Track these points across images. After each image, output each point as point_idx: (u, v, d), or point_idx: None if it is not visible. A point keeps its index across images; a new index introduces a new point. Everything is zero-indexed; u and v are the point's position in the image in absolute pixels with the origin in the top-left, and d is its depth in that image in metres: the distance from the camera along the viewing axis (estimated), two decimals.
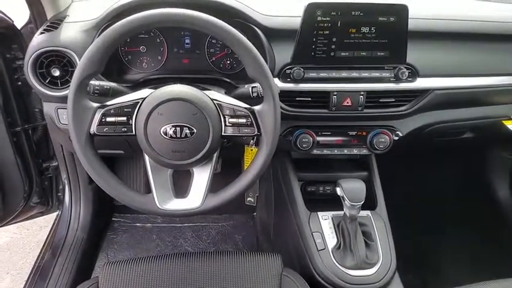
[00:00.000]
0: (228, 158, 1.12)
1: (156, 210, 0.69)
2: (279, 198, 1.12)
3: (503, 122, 1.00)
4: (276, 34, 0.87)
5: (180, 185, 0.75)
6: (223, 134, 0.68)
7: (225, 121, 0.68)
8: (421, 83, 0.89)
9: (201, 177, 0.72)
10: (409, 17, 0.84)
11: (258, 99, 0.71)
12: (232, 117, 0.68)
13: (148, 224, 1.53)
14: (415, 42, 0.89)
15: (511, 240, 1.29)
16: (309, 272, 0.86)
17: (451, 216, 1.40)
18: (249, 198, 1.25)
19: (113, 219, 1.55)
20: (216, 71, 0.95)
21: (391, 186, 1.29)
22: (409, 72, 0.87)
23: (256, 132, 0.68)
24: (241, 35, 0.64)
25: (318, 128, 0.94)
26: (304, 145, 0.92)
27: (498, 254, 1.05)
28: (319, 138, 0.94)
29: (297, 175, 1.02)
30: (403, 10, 0.81)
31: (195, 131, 0.66)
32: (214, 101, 0.68)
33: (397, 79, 0.87)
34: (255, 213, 1.49)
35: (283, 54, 0.86)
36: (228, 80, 0.92)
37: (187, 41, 0.94)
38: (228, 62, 0.95)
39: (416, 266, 0.91)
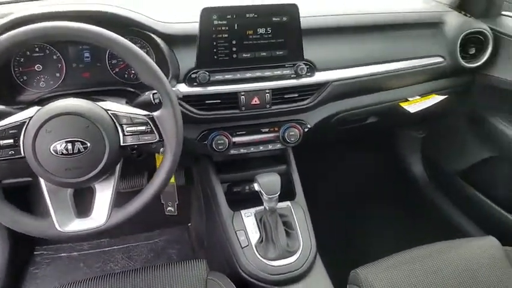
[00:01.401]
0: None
1: (57, 234, 0.69)
2: (207, 204, 1.16)
3: (400, 103, 1.14)
4: (178, 40, 0.92)
5: (86, 203, 0.75)
6: (122, 144, 0.70)
7: (122, 131, 0.70)
8: (319, 76, 0.99)
9: (104, 192, 0.72)
10: (303, 15, 0.93)
11: (161, 106, 0.75)
12: (130, 125, 0.70)
13: (74, 253, 1.48)
14: (311, 39, 0.99)
15: (427, 211, 1.46)
16: (236, 270, 0.91)
17: (373, 197, 1.54)
18: (168, 208, 1.26)
19: (35, 252, 1.48)
20: (121, 82, 0.96)
21: (313, 176, 1.39)
22: (307, 68, 0.96)
23: (158, 139, 0.71)
24: (129, 43, 0.68)
25: (233, 129, 1.00)
26: (220, 147, 0.97)
27: (417, 224, 1.18)
28: (234, 139, 1.00)
29: (219, 177, 1.06)
30: (293, 9, 0.90)
31: (88, 144, 0.66)
32: (109, 112, 0.70)
33: (298, 75, 0.95)
34: (189, 224, 1.51)
35: (187, 59, 0.90)
36: (132, 90, 0.95)
37: (86, 54, 0.95)
38: (133, 71, 0.98)
39: (342, 248, 1.00)
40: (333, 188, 1.53)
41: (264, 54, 0.93)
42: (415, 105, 1.14)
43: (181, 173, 1.38)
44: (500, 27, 1.14)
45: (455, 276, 0.85)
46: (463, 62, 1.13)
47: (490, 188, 1.27)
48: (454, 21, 1.14)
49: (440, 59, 1.13)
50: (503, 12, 1.19)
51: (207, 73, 0.90)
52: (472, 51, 1.14)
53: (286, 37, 0.92)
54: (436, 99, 1.16)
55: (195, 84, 0.90)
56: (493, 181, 1.26)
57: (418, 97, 1.16)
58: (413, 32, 1.13)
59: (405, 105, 1.14)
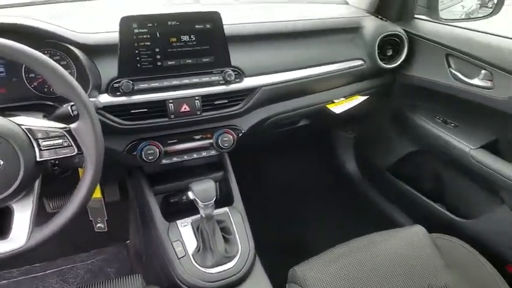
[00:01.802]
0: None
1: None
2: (143, 217, 1.14)
3: (327, 105, 1.20)
4: (98, 50, 0.90)
5: (6, 225, 0.71)
6: (38, 159, 0.67)
7: (38, 145, 0.67)
8: (248, 82, 1.01)
9: (23, 212, 0.69)
10: (229, 23, 0.95)
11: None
12: (46, 139, 0.68)
13: (3, 281, 1.38)
14: (238, 45, 1.01)
15: (362, 206, 1.54)
16: (173, 282, 0.90)
17: (311, 196, 1.59)
18: (98, 225, 1.22)
19: None
20: (39, 96, 0.92)
21: (252, 180, 1.41)
22: (235, 74, 0.98)
23: (76, 152, 0.69)
24: (39, 54, 0.65)
25: (163, 138, 0.99)
26: (150, 157, 0.95)
27: (354, 219, 1.24)
28: (166, 148, 0.99)
29: (153, 189, 1.05)
30: (216, 16, 0.92)
31: (1, 162, 0.64)
32: (22, 126, 0.67)
33: (226, 81, 0.97)
34: (128, 241, 1.47)
35: (109, 69, 0.88)
36: (51, 103, 0.91)
37: (1, 69, 0.90)
38: None
39: (283, 248, 1.03)
40: (272, 190, 1.57)
41: (190, 61, 0.93)
42: (340, 106, 1.20)
43: (115, 188, 1.34)
44: (414, 29, 1.24)
45: (388, 264, 0.90)
46: (382, 64, 1.21)
47: (416, 180, 1.37)
48: (371, 25, 1.23)
49: (360, 62, 1.20)
50: (416, 16, 1.30)
51: (131, 82, 0.88)
52: (390, 52, 1.23)
53: (211, 44, 0.94)
54: (359, 99, 1.23)
55: (118, 93, 0.89)
56: (418, 173, 1.37)
57: (343, 99, 1.22)
58: (334, 37, 1.20)
59: (332, 107, 1.20)
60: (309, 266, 0.91)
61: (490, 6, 1.32)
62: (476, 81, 1.09)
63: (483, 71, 1.07)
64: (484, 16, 1.28)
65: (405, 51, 1.23)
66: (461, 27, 1.20)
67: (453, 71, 1.14)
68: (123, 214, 1.40)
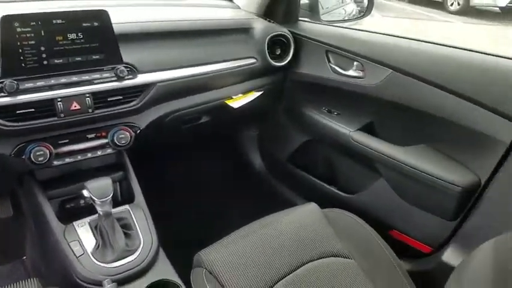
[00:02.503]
0: None
1: None
2: (37, 225, 1.09)
3: (226, 101, 1.28)
4: None
5: None
6: None
7: None
8: (142, 78, 1.04)
9: None
10: (122, 21, 0.98)
11: None
12: None
13: None
14: (130, 43, 1.04)
15: (268, 197, 1.65)
16: (73, 280, 0.88)
17: (221, 192, 1.66)
18: None
19: None
20: None
21: (158, 179, 1.43)
22: (128, 70, 1.01)
23: None
24: None
25: (54, 138, 0.97)
26: (40, 158, 0.93)
27: (261, 210, 1.31)
28: (57, 149, 0.97)
29: (47, 195, 1.02)
30: (103, 15, 0.94)
31: None
32: None
33: (119, 78, 0.99)
34: (24, 257, 1.38)
35: None
36: None
37: None
38: None
39: (191, 242, 1.06)
40: (178, 187, 1.60)
41: (79, 58, 0.94)
42: (238, 101, 1.29)
43: (7, 202, 1.27)
44: (298, 30, 1.39)
45: (284, 238, 0.99)
46: (272, 62, 1.33)
47: (312, 166, 1.51)
48: (260, 26, 1.34)
49: (253, 60, 1.31)
50: (300, 19, 1.46)
51: (15, 82, 0.87)
52: (278, 51, 1.36)
53: (100, 41, 0.95)
54: (255, 95, 1.33)
55: (2, 94, 0.86)
56: (313, 160, 1.51)
57: (240, 95, 1.32)
58: (227, 37, 1.30)
59: (230, 102, 1.28)
60: (212, 249, 0.96)
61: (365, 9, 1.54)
62: (351, 72, 1.26)
63: (355, 63, 1.24)
64: (356, 18, 1.48)
65: (292, 50, 1.36)
66: (338, 27, 1.38)
67: (332, 65, 1.30)
68: (18, 230, 1.32)
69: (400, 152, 1.17)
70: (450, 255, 1.10)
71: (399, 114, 1.21)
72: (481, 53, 1.07)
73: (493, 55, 1.06)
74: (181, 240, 1.15)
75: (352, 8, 1.83)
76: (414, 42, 1.20)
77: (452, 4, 8.17)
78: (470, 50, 1.09)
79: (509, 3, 7.15)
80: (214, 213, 1.56)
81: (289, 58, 1.37)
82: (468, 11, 7.77)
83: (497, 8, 7.48)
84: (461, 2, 7.94)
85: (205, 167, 1.71)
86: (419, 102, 1.12)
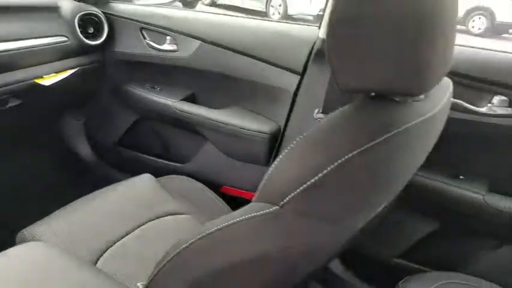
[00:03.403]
0: None
1: None
2: None
3: (35, 80, 1.23)
4: None
5: None
6: None
7: None
8: None
9: None
10: None
11: None
12: None
13: None
14: None
15: (99, 183, 1.62)
16: None
17: (53, 189, 1.56)
18: None
19: None
20: None
21: None
22: None
23: None
24: None
25: None
26: None
27: None
28: None
29: None
30: None
31: None
32: None
33: None
34: None
35: None
36: None
37: None
38: None
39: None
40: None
41: None
42: (50, 80, 1.25)
43: None
44: (111, 11, 1.43)
45: (119, 205, 1.02)
46: (86, 41, 1.34)
47: (143, 145, 1.55)
48: (69, 5, 1.33)
49: (64, 38, 1.30)
50: (112, 1, 1.49)
51: None
52: (91, 30, 1.37)
53: None
54: (69, 73, 1.32)
55: None
56: (146, 138, 1.55)
57: (53, 74, 1.28)
58: (35, 14, 1.25)
59: (41, 81, 1.24)
60: (36, 225, 0.93)
61: None
62: (165, 46, 1.36)
63: (168, 37, 1.35)
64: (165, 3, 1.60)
65: (105, 29, 1.39)
66: (151, 6, 1.48)
67: (148, 41, 1.39)
68: None
69: (218, 114, 1.32)
70: None
71: (214, 81, 1.37)
72: (270, 20, 1.31)
73: (277, 21, 1.30)
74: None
75: None
76: (220, 16, 1.37)
77: (273, 14, 9.24)
78: (261, 19, 1.32)
79: (319, 11, 8.49)
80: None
81: (103, 37, 1.39)
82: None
83: (311, 17, 8.80)
84: (281, 12, 9.06)
85: (28, 161, 1.58)
86: (226, 68, 1.29)
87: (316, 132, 0.53)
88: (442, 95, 0.66)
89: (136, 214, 1.01)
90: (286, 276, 0.59)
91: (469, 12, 8.32)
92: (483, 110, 0.99)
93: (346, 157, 0.48)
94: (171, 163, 1.48)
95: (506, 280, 0.95)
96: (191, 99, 1.42)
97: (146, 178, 1.16)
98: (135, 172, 1.16)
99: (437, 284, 0.89)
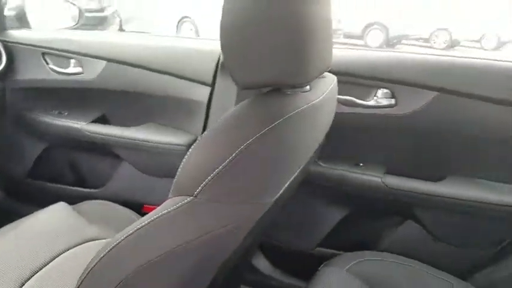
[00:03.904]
0: None
1: None
2: None
3: None
4: None
5: None
6: None
7: None
8: None
9: None
10: None
11: None
12: None
13: None
14: None
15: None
16: None
17: None
18: None
19: None
20: None
21: None
22: None
23: None
24: None
25: None
26: None
27: None
28: None
29: None
30: None
31: None
32: None
33: None
34: None
35: None
36: None
37: None
38: None
39: None
40: None
41: None
42: None
43: None
44: (8, 38, 1.38)
45: (33, 236, 0.97)
46: None
47: (55, 174, 1.49)
48: None
49: None
50: (9, 29, 1.44)
51: None
52: None
53: None
54: None
55: None
56: (56, 167, 1.50)
57: None
58: None
59: None
60: None
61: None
62: (70, 69, 1.35)
63: (72, 60, 1.34)
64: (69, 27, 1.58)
65: (3, 57, 1.34)
66: (52, 31, 1.45)
67: (51, 67, 1.36)
68: None
69: (132, 132, 1.33)
70: None
71: (125, 100, 1.37)
72: (175, 37, 1.36)
73: (182, 37, 1.36)
74: None
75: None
76: (124, 35, 1.39)
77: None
78: (165, 36, 1.37)
79: None
80: None
81: (2, 65, 1.34)
82: None
83: None
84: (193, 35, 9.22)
85: None
86: (136, 85, 1.31)
87: (220, 125, 0.60)
88: (326, 87, 0.76)
89: (51, 245, 0.96)
90: (209, 260, 0.64)
91: (367, 27, 9.24)
92: (370, 103, 1.14)
93: (247, 143, 0.55)
94: (86, 189, 1.44)
95: (410, 252, 1.08)
96: (102, 120, 1.41)
97: (60, 206, 1.12)
98: (48, 204, 1.12)
99: (352, 264, 0.98)
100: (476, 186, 1.09)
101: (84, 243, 1.00)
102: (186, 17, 8.55)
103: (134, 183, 1.38)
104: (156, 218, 0.58)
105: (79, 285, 0.66)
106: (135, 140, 1.30)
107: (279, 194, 0.64)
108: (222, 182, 0.55)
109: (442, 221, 1.14)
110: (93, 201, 1.21)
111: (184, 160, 0.59)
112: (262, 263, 1.30)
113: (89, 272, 0.65)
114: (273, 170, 0.60)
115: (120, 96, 1.35)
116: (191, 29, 8.66)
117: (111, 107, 1.41)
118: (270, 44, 0.58)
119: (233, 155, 0.54)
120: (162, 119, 1.36)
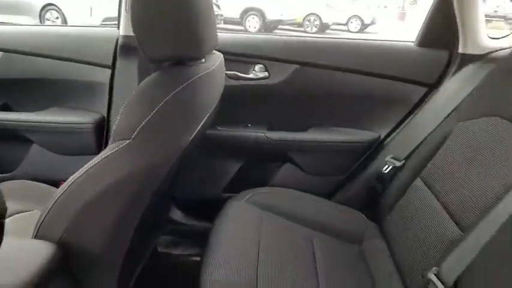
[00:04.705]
0: None
1: None
2: None
3: None
4: None
5: None
6: None
7: None
8: None
9: None
10: None
11: None
12: None
13: None
14: None
15: None
16: None
17: None
18: None
19: None
20: None
21: None
22: None
23: None
24: None
25: None
26: None
27: None
28: None
29: None
30: None
31: None
32: None
33: None
34: None
35: None
36: None
37: None
38: None
39: None
40: None
41: None
42: None
43: None
44: None
45: None
46: None
47: None
48: None
49: None
50: None
51: None
52: None
53: None
54: None
55: None
56: None
57: None
58: None
59: None
60: None
61: None
62: None
63: None
64: None
65: None
66: None
67: None
68: None
69: (39, 116, 1.42)
70: None
71: (27, 88, 1.46)
72: (72, 26, 1.47)
73: (79, 26, 1.48)
74: None
75: None
76: (18, 26, 1.46)
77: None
78: (61, 26, 1.48)
79: (102, 21, 8.41)
80: None
81: None
82: None
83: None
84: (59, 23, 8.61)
85: None
86: (36, 73, 1.42)
87: (141, 90, 0.82)
88: (216, 60, 1.04)
89: None
90: (136, 198, 0.82)
91: (244, 12, 9.69)
92: (250, 75, 1.46)
93: (164, 100, 0.78)
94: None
95: (289, 184, 1.42)
96: (4, 108, 1.47)
97: None
98: None
99: (248, 196, 1.27)
100: (330, 132, 1.51)
101: (10, 216, 1.06)
102: (50, 4, 7.82)
103: (47, 164, 1.48)
104: (99, 161, 0.76)
105: (36, 234, 0.79)
106: (42, 122, 1.41)
107: (192, 136, 0.89)
108: (152, 126, 0.77)
109: (308, 159, 1.53)
110: (11, 181, 1.28)
111: (120, 115, 0.78)
112: (177, 215, 1.54)
113: (42, 221, 0.78)
114: (185, 116, 0.85)
115: (22, 84, 1.43)
116: (57, 18, 8.03)
117: (14, 95, 1.48)
118: (174, 24, 0.79)
119: (158, 107, 0.76)
120: (68, 102, 1.49)
